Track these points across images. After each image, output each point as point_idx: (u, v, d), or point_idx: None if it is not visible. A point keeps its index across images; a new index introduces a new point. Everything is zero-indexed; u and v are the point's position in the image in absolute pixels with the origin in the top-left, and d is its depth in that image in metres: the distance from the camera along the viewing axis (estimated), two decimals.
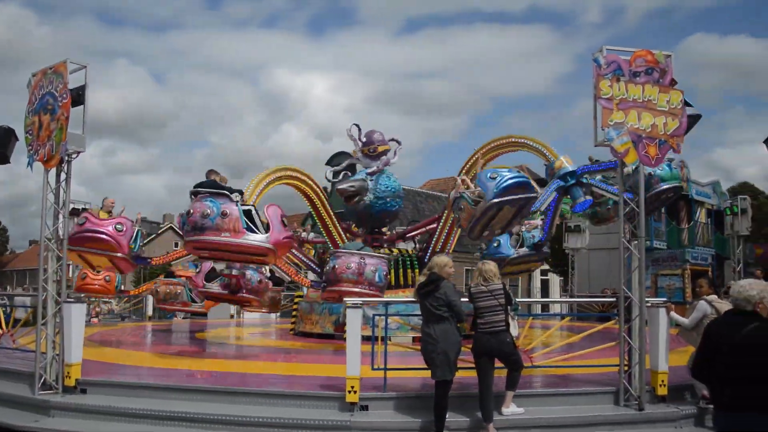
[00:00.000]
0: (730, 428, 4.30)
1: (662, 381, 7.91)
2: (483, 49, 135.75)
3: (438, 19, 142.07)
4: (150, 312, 21.74)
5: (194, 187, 10.11)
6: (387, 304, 9.93)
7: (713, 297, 7.95)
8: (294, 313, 16.67)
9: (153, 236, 54.67)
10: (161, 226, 62.94)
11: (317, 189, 14.90)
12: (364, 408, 7.38)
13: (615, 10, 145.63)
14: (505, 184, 9.66)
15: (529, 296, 35.40)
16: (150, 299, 20.42)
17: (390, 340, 8.77)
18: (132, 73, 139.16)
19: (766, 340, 4.19)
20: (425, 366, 6.96)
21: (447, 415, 6.89)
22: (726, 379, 4.30)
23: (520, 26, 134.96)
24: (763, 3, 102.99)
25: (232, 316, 23.15)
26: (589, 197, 11.45)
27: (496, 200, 9.64)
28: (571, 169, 11.33)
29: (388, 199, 14.74)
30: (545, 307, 30.52)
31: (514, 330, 7.40)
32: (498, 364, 7.16)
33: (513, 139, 13.15)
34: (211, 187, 10.05)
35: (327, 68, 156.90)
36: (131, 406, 7.69)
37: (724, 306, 7.02)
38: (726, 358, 4.28)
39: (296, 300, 16.85)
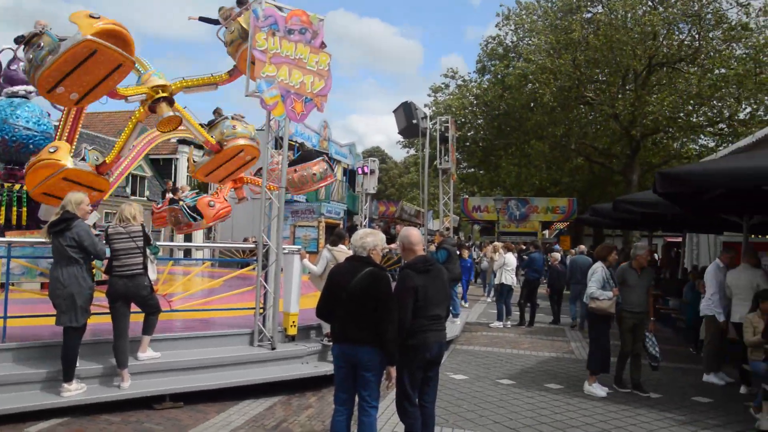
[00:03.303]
0: (347, 359, 4.85)
1: (293, 322, 8.56)
2: None
3: None
4: None
5: None
6: (9, 245, 8.84)
7: (340, 247, 8.70)
8: None
9: None
10: None
11: None
12: None
13: None
14: (106, 26, 7.26)
15: (171, 242, 34.69)
16: None
17: (13, 285, 7.91)
18: None
19: (376, 282, 4.80)
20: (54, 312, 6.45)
21: (78, 363, 6.50)
22: (344, 317, 4.84)
23: None
24: None
25: None
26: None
27: (91, 37, 7.08)
28: (161, 82, 10.23)
29: None
30: (188, 252, 30.31)
31: (152, 274, 7.26)
32: (134, 308, 6.96)
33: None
34: None
35: None
36: None
37: (344, 254, 7.76)
38: (344, 299, 4.81)
39: None
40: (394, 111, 15.28)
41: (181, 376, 7.24)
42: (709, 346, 9.27)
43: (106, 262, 6.96)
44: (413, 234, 5.24)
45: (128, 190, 31.20)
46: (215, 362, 7.60)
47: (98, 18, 7.19)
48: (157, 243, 7.89)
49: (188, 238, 38.13)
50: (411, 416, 5.08)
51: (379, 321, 4.70)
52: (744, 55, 29.07)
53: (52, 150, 8.96)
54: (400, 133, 15.83)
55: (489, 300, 19.20)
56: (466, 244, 21.37)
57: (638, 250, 8.66)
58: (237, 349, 8.08)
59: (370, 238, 4.99)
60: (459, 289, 13.61)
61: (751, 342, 7.43)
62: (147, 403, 6.71)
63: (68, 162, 8.86)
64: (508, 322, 14.16)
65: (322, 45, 8.52)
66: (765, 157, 8.34)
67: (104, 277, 7.06)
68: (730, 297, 8.90)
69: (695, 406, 7.74)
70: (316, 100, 8.35)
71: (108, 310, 6.85)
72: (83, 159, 9.16)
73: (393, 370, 4.83)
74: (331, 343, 8.02)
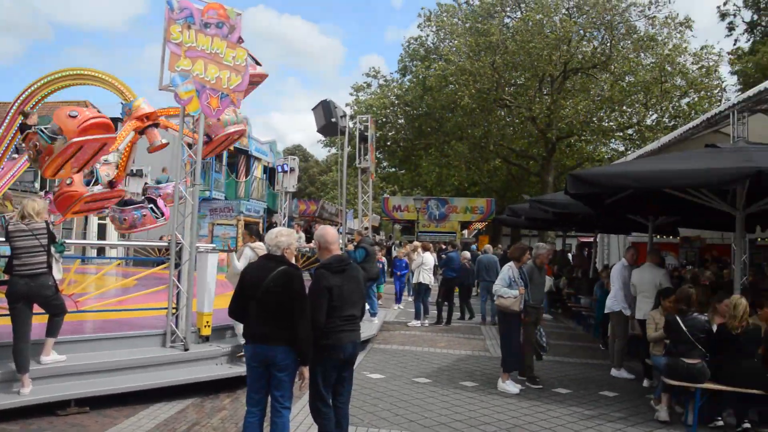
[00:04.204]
0: (260, 359, 4.78)
1: (207, 322, 8.37)
2: None
3: None
4: None
5: None
6: None
7: (257, 244, 8.48)
8: None
9: None
10: None
11: None
12: None
13: None
14: (86, 123, 8.85)
15: (84, 239, 33.37)
16: None
17: None
18: None
19: (289, 282, 4.75)
20: None
21: None
22: (257, 316, 4.77)
23: None
24: None
25: None
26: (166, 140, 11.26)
27: (77, 139, 8.73)
28: (148, 110, 10.83)
29: None
30: (101, 250, 29.24)
31: (57, 273, 6.93)
32: (38, 309, 6.63)
33: (92, 73, 11.86)
34: None
35: None
36: None
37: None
38: (257, 298, 4.73)
39: None
40: (313, 109, 15.19)
41: (88, 380, 6.92)
42: (619, 342, 9.64)
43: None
44: (329, 233, 5.20)
45: (37, 185, 29.76)
46: (125, 365, 7.32)
47: (76, 117, 8.68)
48: (66, 241, 7.52)
49: (101, 236, 36.87)
50: (325, 417, 5.05)
51: (293, 321, 4.65)
52: (651, 65, 30.53)
53: (68, 182, 10.78)
54: (319, 131, 15.74)
55: (409, 299, 19.37)
56: (385, 244, 21.49)
57: (540, 250, 9.07)
58: (148, 351, 7.81)
59: (284, 238, 4.93)
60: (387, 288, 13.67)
61: (653, 337, 7.76)
62: (50, 410, 6.39)
63: (84, 190, 11.03)
64: (426, 321, 14.31)
65: (240, 40, 8.35)
66: (668, 161, 8.74)
67: (6, 276, 6.70)
68: (635, 295, 9.29)
69: (602, 400, 8.03)
70: (233, 95, 8.18)
71: (7, 312, 6.48)
72: (96, 179, 11.28)
73: (306, 371, 4.79)
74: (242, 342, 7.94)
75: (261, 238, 8.58)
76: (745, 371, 6.73)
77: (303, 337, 4.65)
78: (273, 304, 4.70)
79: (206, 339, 8.42)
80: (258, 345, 4.77)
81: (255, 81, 9.83)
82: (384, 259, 16.03)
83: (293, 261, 4.99)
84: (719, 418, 6.91)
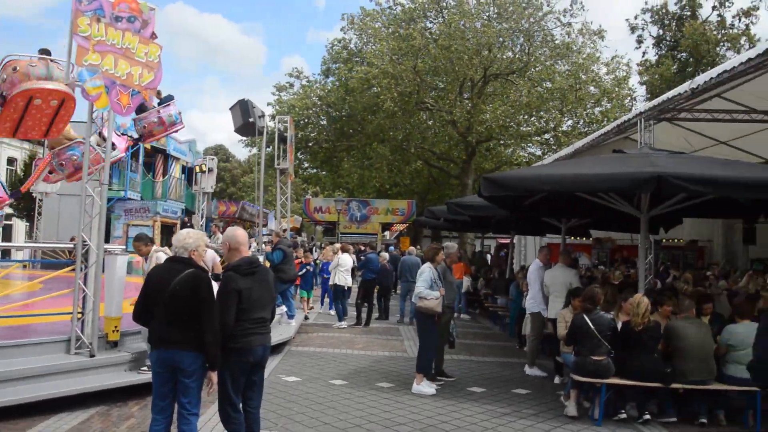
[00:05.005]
0: (166, 365, 4.64)
1: (115, 327, 8.04)
2: None
3: None
4: None
5: None
6: None
7: (166, 249, 8.12)
8: None
9: None
10: None
11: None
12: None
13: None
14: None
15: None
16: None
17: None
18: None
19: (197, 285, 4.64)
20: None
21: None
22: (163, 320, 4.62)
23: None
24: None
25: None
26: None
27: None
28: None
29: None
30: (6, 252, 27.85)
31: None
32: None
33: None
34: None
35: None
36: None
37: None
38: (163, 301, 4.59)
39: None
40: (231, 108, 14.88)
41: None
42: (534, 341, 9.88)
43: None
44: (239, 234, 5.09)
45: None
46: (24, 374, 6.92)
47: None
48: None
49: (6, 237, 35.18)
50: (235, 422, 4.95)
51: (200, 324, 4.53)
52: (566, 72, 31.61)
53: None
54: (236, 131, 15.42)
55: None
56: (306, 245, 21.35)
57: (450, 250, 9.24)
58: (51, 358, 7.43)
59: (192, 240, 4.81)
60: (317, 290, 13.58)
61: (563, 335, 8.00)
62: None
63: None
64: (343, 323, 14.27)
65: (153, 36, 8.09)
66: (578, 165, 9.05)
67: None
68: (548, 295, 9.56)
69: (515, 398, 8.21)
70: (145, 93, 7.92)
71: None
72: None
73: (214, 376, 4.68)
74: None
75: (152, 242, 8.25)
76: (647, 366, 7.07)
77: (210, 341, 4.54)
78: (179, 308, 4.57)
79: (115, 344, 8.11)
80: (164, 350, 4.62)
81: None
82: (312, 263, 15.87)
83: (201, 263, 4.86)
84: (623, 412, 7.21)
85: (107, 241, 22.01)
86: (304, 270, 14.84)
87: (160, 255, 7.95)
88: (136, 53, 7.84)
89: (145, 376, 7.49)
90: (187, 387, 4.63)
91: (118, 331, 8.07)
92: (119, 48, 7.69)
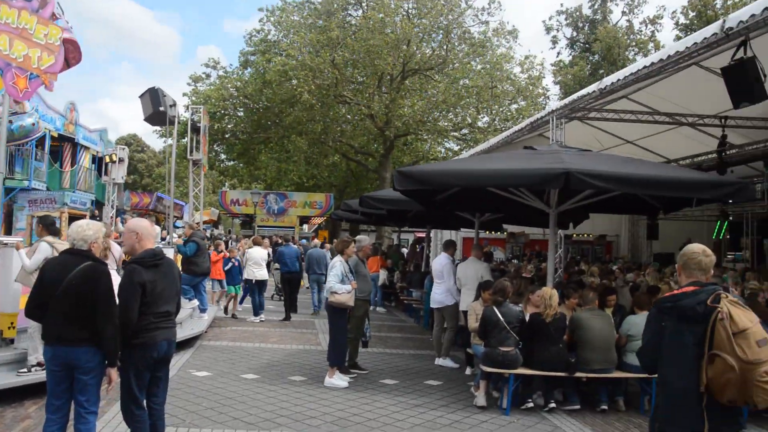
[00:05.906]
0: (61, 362, 4.42)
1: (12, 323, 7.65)
2: None
3: None
4: None
5: None
6: None
7: (54, 239, 7.36)
8: None
9: None
10: None
11: None
12: None
13: None
14: None
15: None
16: None
17: None
18: None
19: (95, 278, 4.45)
20: None
21: None
22: (58, 315, 4.40)
23: None
24: None
25: None
26: None
27: None
28: None
29: None
30: None
31: None
32: None
33: None
34: None
35: None
36: None
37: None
38: (58, 295, 4.36)
39: None
40: (141, 96, 14.39)
41: None
42: (450, 333, 10.00)
43: None
44: (142, 226, 4.91)
45: None
46: None
47: None
48: None
49: None
50: (138, 420, 4.77)
51: (98, 319, 4.34)
52: (482, 70, 32.25)
53: None
54: (146, 120, 14.93)
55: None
56: (222, 238, 20.91)
57: (362, 242, 9.39)
58: None
59: (92, 231, 4.60)
60: (208, 284, 13.22)
61: (473, 328, 8.14)
62: None
63: None
64: (257, 318, 14.03)
65: (54, 17, 7.70)
66: (491, 161, 9.21)
67: None
68: (460, 288, 9.71)
69: (427, 389, 8.30)
70: (44, 77, 7.54)
71: None
72: None
73: (114, 372, 4.50)
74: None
75: (56, 233, 7.69)
76: (553, 356, 7.32)
77: (109, 337, 4.36)
78: (77, 302, 4.36)
79: (11, 342, 7.70)
80: (59, 346, 4.40)
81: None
82: (238, 257, 15.48)
83: (98, 255, 4.65)
84: (530, 401, 7.42)
85: (9, 233, 20.97)
86: (229, 264, 14.40)
87: (42, 245, 7.21)
88: (35, 34, 7.46)
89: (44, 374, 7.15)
90: (85, 384, 4.43)
91: (14, 327, 7.67)
92: (14, 27, 7.30)
